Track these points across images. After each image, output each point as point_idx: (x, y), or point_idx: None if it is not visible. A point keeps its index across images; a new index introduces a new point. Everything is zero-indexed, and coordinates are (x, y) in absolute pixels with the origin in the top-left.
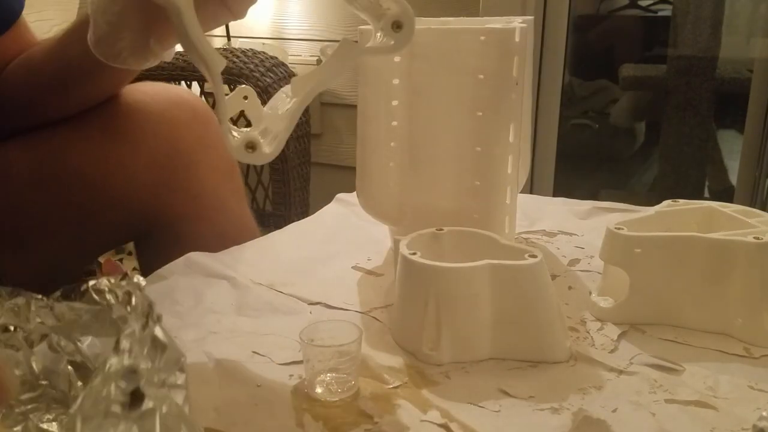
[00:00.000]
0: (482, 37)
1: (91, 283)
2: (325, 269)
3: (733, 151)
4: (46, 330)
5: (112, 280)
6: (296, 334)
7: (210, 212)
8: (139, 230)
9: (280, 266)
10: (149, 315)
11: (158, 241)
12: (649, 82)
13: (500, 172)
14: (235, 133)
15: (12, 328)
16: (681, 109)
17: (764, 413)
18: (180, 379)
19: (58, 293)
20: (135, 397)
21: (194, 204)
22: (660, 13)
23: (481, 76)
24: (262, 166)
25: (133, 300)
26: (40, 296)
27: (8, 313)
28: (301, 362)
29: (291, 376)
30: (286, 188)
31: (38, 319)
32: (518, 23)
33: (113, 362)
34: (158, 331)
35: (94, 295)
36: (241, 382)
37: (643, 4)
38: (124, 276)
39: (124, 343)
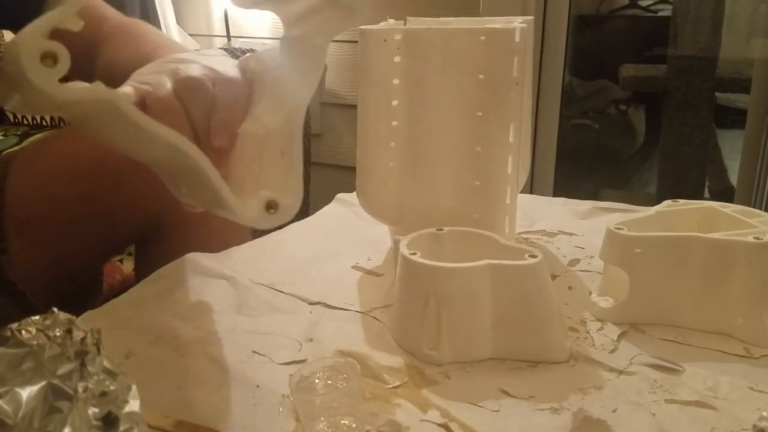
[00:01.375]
0: (482, 37)
1: (14, 325)
2: (325, 269)
3: (733, 151)
4: None
5: (36, 319)
6: (296, 333)
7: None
8: (148, 232)
9: (280, 266)
10: (98, 344)
11: (158, 244)
12: (649, 82)
13: (500, 172)
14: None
15: None
16: (681, 109)
17: (764, 414)
18: (135, 405)
19: None
20: (109, 421)
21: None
22: (660, 13)
23: (481, 76)
24: None
25: (75, 334)
26: None
27: None
28: (300, 362)
29: (291, 375)
30: None
31: None
32: (518, 23)
33: (81, 387)
34: (106, 361)
35: (21, 337)
36: (240, 381)
37: (643, 4)
38: (50, 313)
39: (90, 368)
